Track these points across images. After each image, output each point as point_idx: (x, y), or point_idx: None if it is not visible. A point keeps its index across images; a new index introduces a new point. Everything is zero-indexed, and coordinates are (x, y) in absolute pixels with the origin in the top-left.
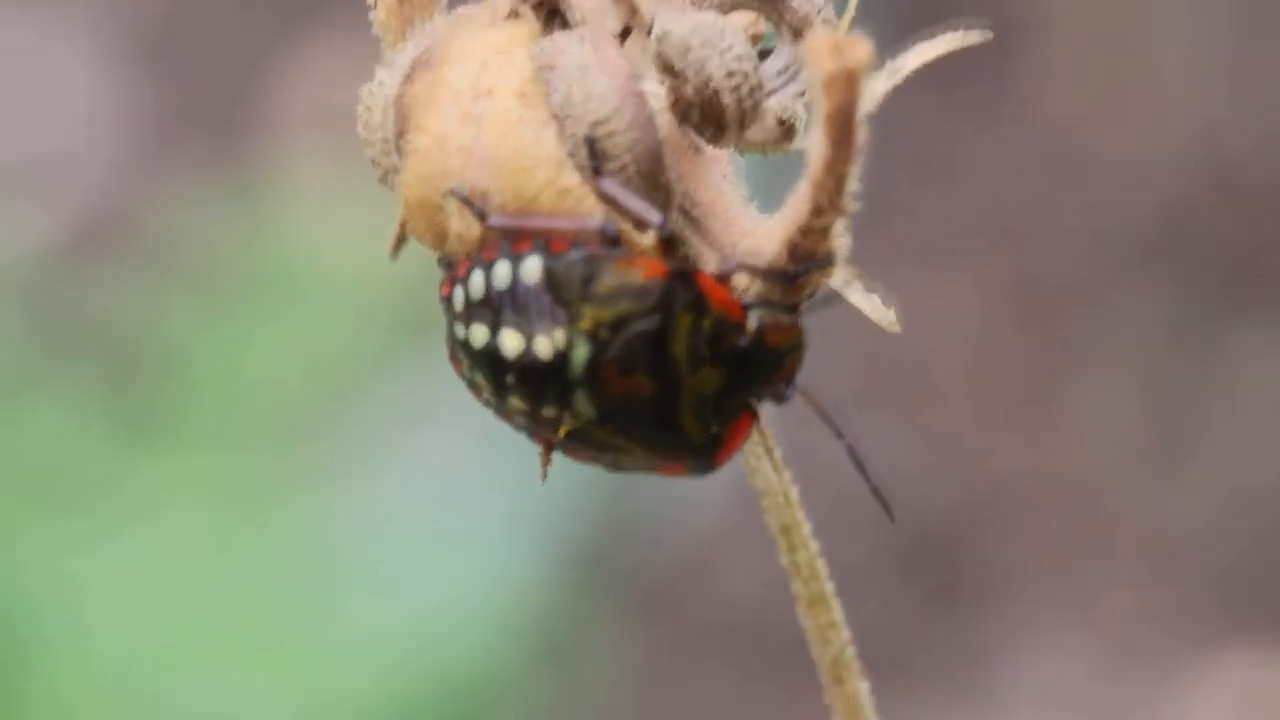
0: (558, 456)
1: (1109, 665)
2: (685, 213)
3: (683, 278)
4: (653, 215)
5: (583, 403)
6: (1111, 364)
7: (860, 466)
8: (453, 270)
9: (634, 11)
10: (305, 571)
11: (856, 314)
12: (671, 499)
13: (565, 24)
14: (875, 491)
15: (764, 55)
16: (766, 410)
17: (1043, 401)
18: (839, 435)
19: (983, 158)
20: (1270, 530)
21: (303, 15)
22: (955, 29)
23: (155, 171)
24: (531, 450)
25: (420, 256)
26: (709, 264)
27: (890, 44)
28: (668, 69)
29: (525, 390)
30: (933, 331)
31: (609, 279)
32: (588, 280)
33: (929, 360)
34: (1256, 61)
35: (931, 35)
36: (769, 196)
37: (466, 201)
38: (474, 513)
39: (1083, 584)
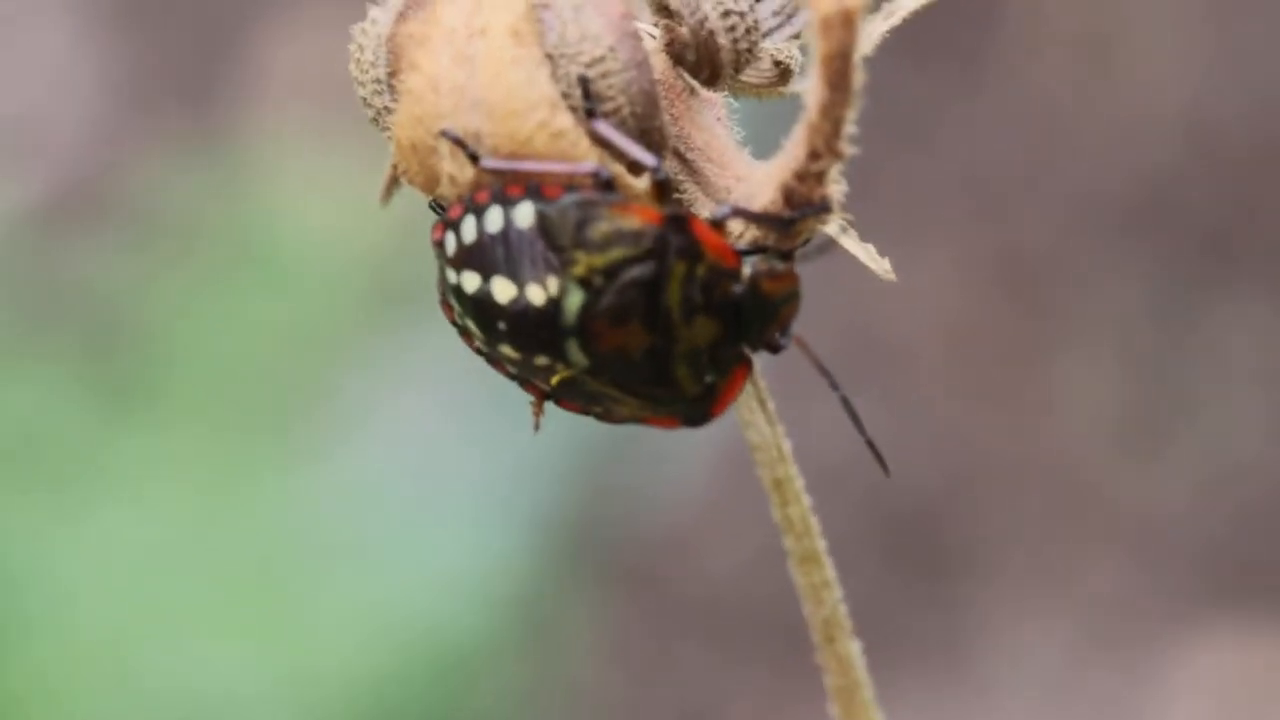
0: (543, 429)
1: (1088, 643)
2: (679, 156)
3: (677, 223)
4: (648, 158)
5: (575, 351)
6: (1092, 337)
7: (854, 418)
8: (445, 214)
9: None
10: (285, 545)
11: (833, 287)
12: (653, 473)
13: None
14: (870, 444)
15: None
16: (760, 366)
17: (1022, 376)
18: (834, 386)
19: (962, 125)
20: (1252, 507)
21: None
22: None
23: (132, 137)
24: (512, 423)
25: (399, 227)
26: (703, 209)
27: None
28: (663, 8)
29: (517, 338)
30: (910, 304)
31: (603, 224)
32: (581, 225)
33: (906, 333)
34: (1239, 28)
35: None
36: (762, 144)
37: (459, 143)
38: (454, 486)
39: (1062, 560)
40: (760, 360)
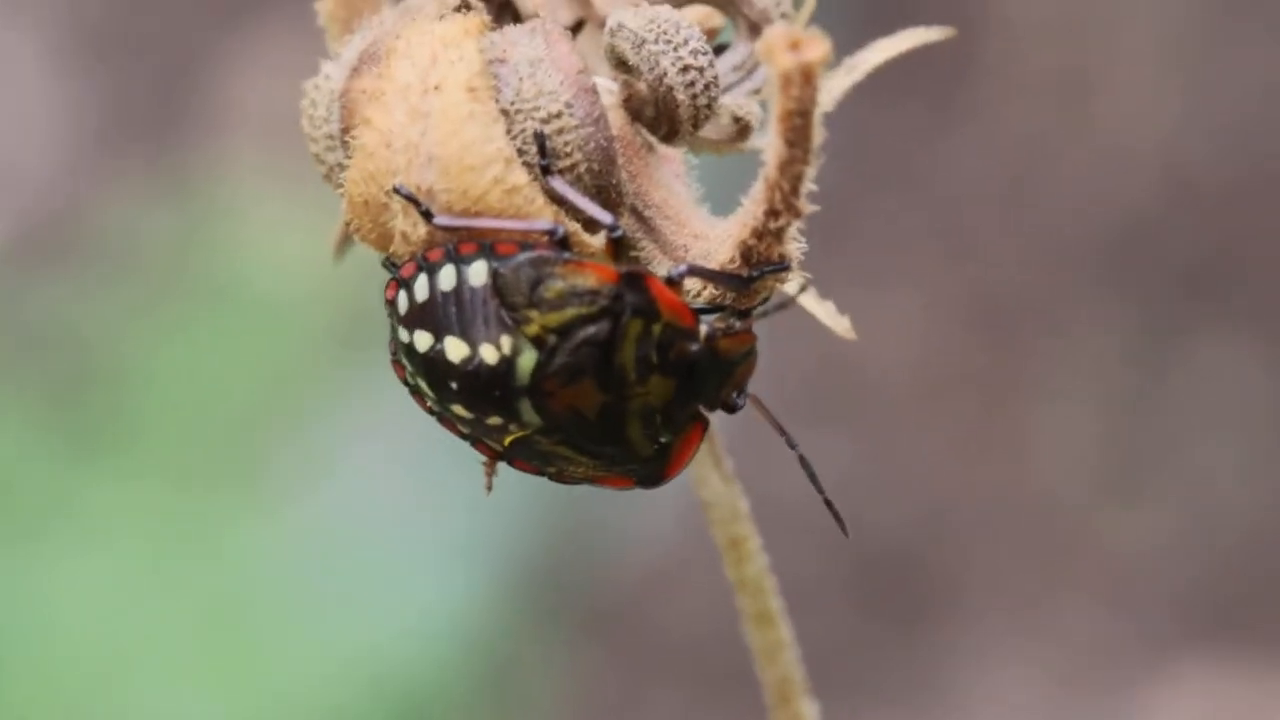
0: (505, 475)
1: (1065, 686)
2: (637, 213)
3: (633, 281)
4: (604, 216)
5: (528, 411)
6: (1068, 378)
7: (813, 477)
8: (397, 272)
9: (587, 4)
10: (252, 590)
11: (801, 327)
12: (620, 518)
13: (517, 17)
14: (828, 504)
15: (719, 51)
16: (716, 421)
17: (998, 417)
18: (791, 445)
19: (935, 164)
20: (1230, 548)
21: (248, 12)
22: (912, 30)
23: (99, 176)
24: (477, 469)
25: (365, 269)
26: (660, 267)
27: (847, 47)
28: (621, 64)
29: (469, 398)
30: (883, 346)
31: (557, 282)
32: (535, 284)
33: (879, 376)
34: (1215, 66)
35: (891, 33)
36: (720, 201)
37: (411, 200)
38: (419, 532)
39: (1038, 603)
40: (714, 415)
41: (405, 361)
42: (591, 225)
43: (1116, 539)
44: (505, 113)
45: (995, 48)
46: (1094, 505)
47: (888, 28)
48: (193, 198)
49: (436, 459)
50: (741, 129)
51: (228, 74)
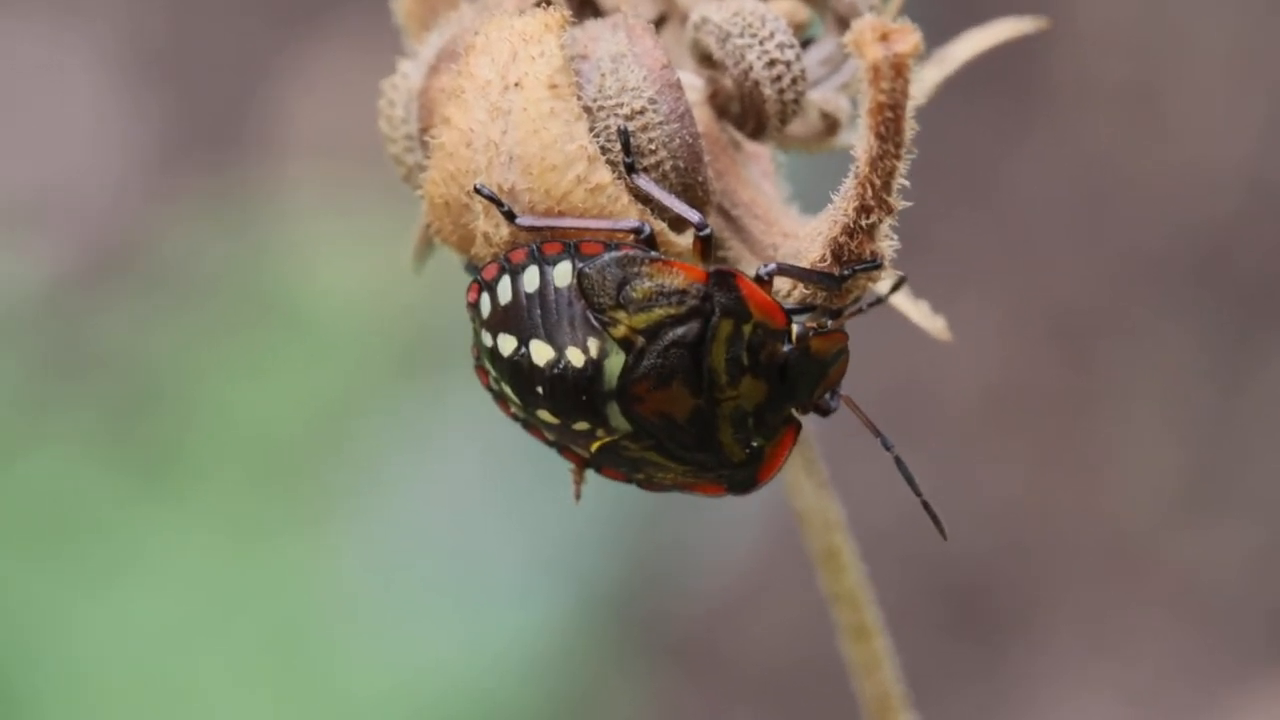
0: (583, 499)
1: (1142, 707)
2: (724, 212)
3: (723, 280)
4: (691, 214)
5: (616, 416)
6: (1144, 395)
7: (910, 479)
8: (480, 274)
9: None
10: (313, 615)
11: (876, 344)
12: (699, 539)
13: (598, 11)
14: (925, 505)
15: (807, 45)
16: (812, 427)
17: (1073, 434)
18: (887, 446)
19: (1008, 181)
20: None
21: (304, 35)
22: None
23: (157, 199)
24: (549, 489)
25: (431, 285)
26: (749, 267)
27: (931, 43)
28: (706, 59)
29: (555, 402)
30: (958, 361)
31: (645, 282)
32: (622, 284)
33: (954, 391)
34: None
35: (981, 25)
36: (810, 199)
37: (493, 200)
38: (490, 555)
39: (1115, 623)
40: (807, 422)
41: (489, 366)
42: (679, 224)
43: (1194, 558)
44: (588, 110)
45: (1070, 59)
46: (1171, 523)
47: (971, 22)
48: (251, 219)
49: (505, 481)
50: (830, 125)
51: (287, 94)
